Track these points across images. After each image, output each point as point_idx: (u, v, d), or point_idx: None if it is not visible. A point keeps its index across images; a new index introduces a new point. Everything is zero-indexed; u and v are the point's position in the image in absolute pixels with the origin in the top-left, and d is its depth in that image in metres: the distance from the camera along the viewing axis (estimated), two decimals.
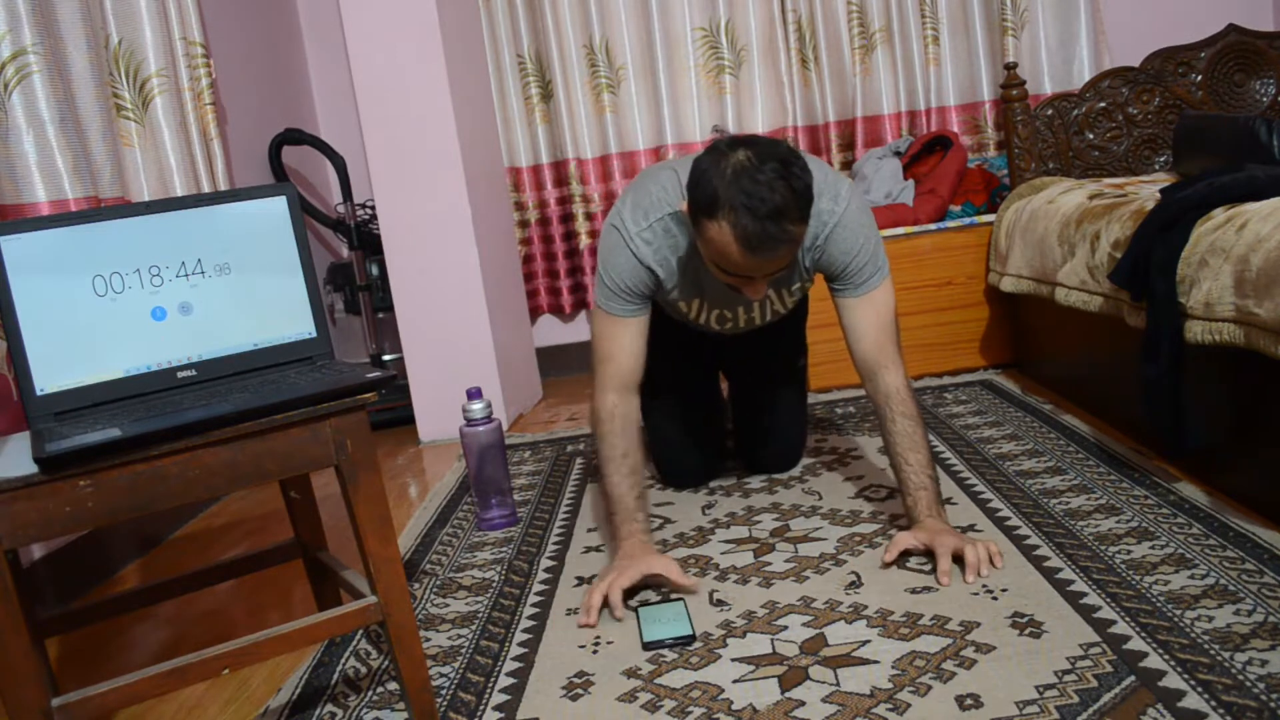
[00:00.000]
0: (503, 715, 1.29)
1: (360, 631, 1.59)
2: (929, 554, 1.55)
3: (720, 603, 1.54)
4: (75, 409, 1.22)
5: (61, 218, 1.24)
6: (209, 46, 2.53)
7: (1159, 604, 1.34)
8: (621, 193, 1.79)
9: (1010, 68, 2.86)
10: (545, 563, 1.81)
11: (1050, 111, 2.90)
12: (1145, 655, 1.22)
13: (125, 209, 1.28)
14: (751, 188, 1.42)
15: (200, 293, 1.30)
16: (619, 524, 1.66)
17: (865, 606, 1.45)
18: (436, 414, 2.93)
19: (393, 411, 3.15)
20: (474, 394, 2.05)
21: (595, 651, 1.43)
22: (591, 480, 2.26)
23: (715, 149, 1.48)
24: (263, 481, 1.20)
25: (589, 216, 3.52)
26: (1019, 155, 2.86)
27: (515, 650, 1.47)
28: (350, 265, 3.31)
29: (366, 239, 3.25)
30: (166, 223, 1.28)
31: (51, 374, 1.21)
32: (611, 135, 3.44)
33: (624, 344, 1.72)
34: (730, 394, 2.25)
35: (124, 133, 2.23)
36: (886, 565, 1.57)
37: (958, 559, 1.52)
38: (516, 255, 3.45)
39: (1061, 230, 2.26)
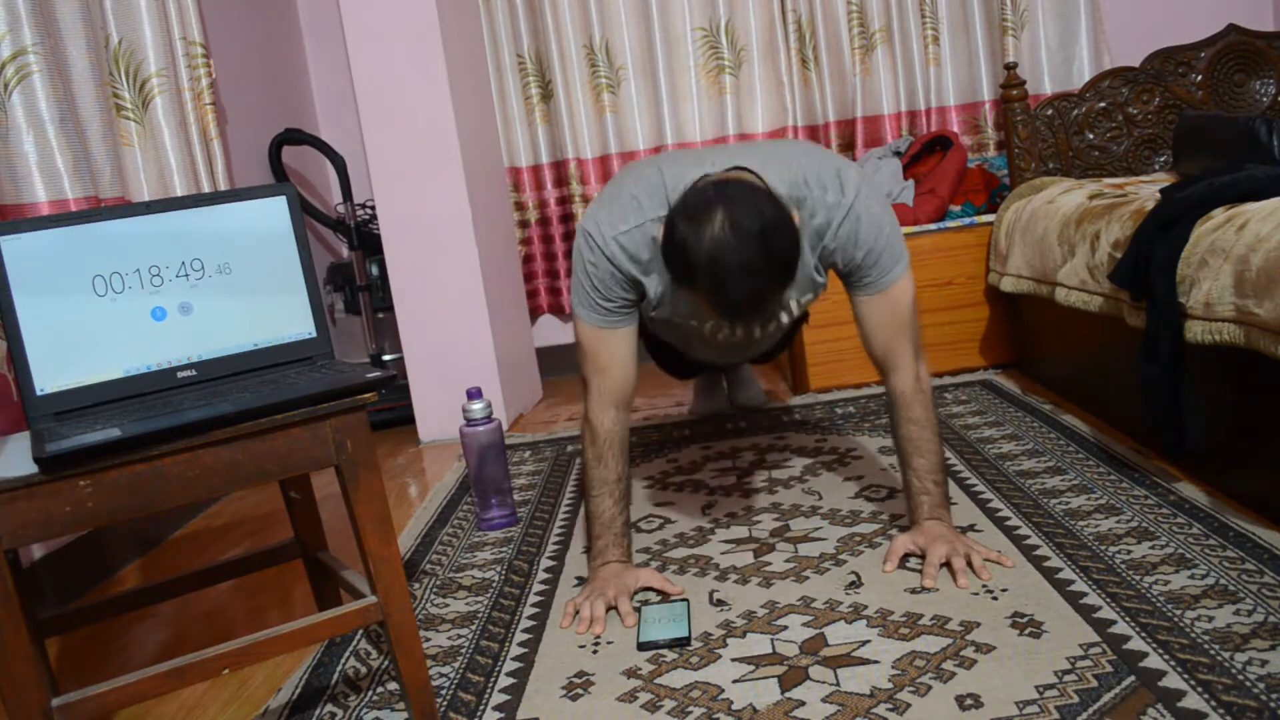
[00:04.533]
0: (503, 715, 1.29)
1: (360, 631, 1.59)
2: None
3: (720, 603, 1.54)
4: (75, 409, 1.22)
5: (61, 218, 1.24)
6: (209, 46, 2.53)
7: (1159, 604, 1.34)
8: (597, 195, 1.66)
9: (1010, 68, 2.86)
10: (545, 563, 1.81)
11: (1050, 111, 2.90)
12: (1145, 655, 1.22)
13: (125, 209, 1.28)
14: (727, 274, 1.30)
15: (200, 293, 1.30)
16: (605, 546, 1.62)
17: (865, 606, 1.45)
18: (436, 414, 2.93)
19: (393, 411, 3.15)
20: (474, 394, 2.05)
21: (595, 651, 1.43)
22: None
23: (696, 205, 1.34)
24: (263, 481, 1.20)
25: None
26: (1019, 155, 2.86)
27: (515, 650, 1.47)
28: (350, 265, 3.31)
29: (366, 239, 3.25)
30: (166, 223, 1.28)
31: (51, 374, 1.21)
32: (611, 135, 3.44)
33: (615, 353, 1.62)
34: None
35: (124, 133, 2.23)
36: (888, 569, 1.57)
37: (947, 564, 1.52)
38: (516, 255, 3.45)
39: (1061, 230, 2.26)
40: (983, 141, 3.42)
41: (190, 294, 1.29)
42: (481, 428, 2.01)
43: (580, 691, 1.32)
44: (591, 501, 1.65)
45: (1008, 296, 2.71)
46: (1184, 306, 1.67)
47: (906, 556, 1.59)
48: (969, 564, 1.51)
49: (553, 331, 3.69)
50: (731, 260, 1.30)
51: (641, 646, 1.41)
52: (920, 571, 1.54)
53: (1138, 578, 1.43)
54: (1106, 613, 1.34)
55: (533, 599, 1.65)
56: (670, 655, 1.38)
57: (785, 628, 1.42)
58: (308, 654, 1.53)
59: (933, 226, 2.85)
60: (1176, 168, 2.70)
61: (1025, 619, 1.35)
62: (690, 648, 1.40)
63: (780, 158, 1.57)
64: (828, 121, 3.42)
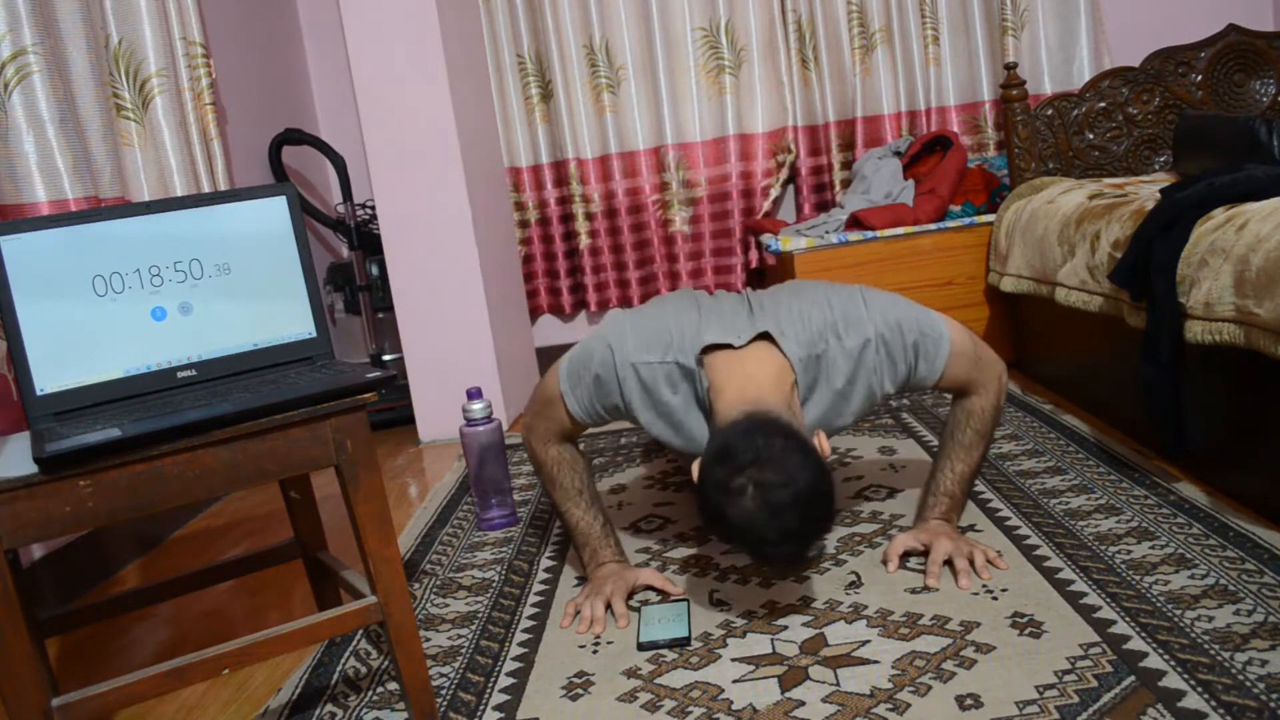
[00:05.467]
0: (503, 715, 1.29)
1: (360, 631, 1.59)
2: (928, 554, 1.55)
3: (720, 603, 1.54)
4: (75, 409, 1.22)
5: (61, 218, 1.24)
6: (209, 46, 2.53)
7: (1159, 604, 1.34)
8: (624, 313, 1.65)
9: (1010, 68, 2.86)
10: (545, 563, 1.81)
11: (1050, 111, 2.90)
12: (1145, 655, 1.22)
13: (125, 209, 1.28)
14: (766, 549, 1.33)
15: (200, 293, 1.30)
16: (593, 552, 1.64)
17: (865, 606, 1.45)
18: (436, 414, 2.93)
19: (393, 411, 3.15)
20: (474, 394, 2.05)
21: (595, 651, 1.43)
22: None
23: (726, 477, 1.31)
24: (263, 481, 1.20)
25: (589, 216, 3.52)
26: (1019, 155, 2.86)
27: (515, 650, 1.47)
28: (350, 265, 3.31)
29: (366, 239, 3.25)
30: (166, 223, 1.28)
31: (51, 374, 1.21)
32: (611, 135, 3.44)
33: (574, 421, 1.63)
34: None
35: (124, 133, 2.23)
36: (891, 571, 1.57)
37: (950, 563, 1.53)
38: (516, 255, 3.45)
39: (1061, 230, 2.26)
40: (983, 141, 3.42)
41: (190, 294, 1.29)
42: (481, 428, 2.01)
43: (580, 691, 1.32)
44: (563, 518, 1.69)
45: (1008, 296, 2.71)
46: (1184, 306, 1.67)
47: (907, 555, 1.59)
48: (971, 564, 1.51)
49: (553, 331, 3.69)
50: (770, 536, 1.31)
51: (641, 646, 1.41)
52: (920, 571, 1.54)
53: (1138, 578, 1.43)
54: (1106, 613, 1.34)
55: (533, 599, 1.65)
56: (670, 655, 1.38)
57: (785, 628, 1.42)
58: (308, 654, 1.53)
59: (933, 226, 2.85)
60: (1176, 168, 2.70)
61: (1025, 619, 1.35)
62: (690, 648, 1.40)
63: (795, 314, 1.56)
64: (828, 121, 3.42)
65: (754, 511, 1.29)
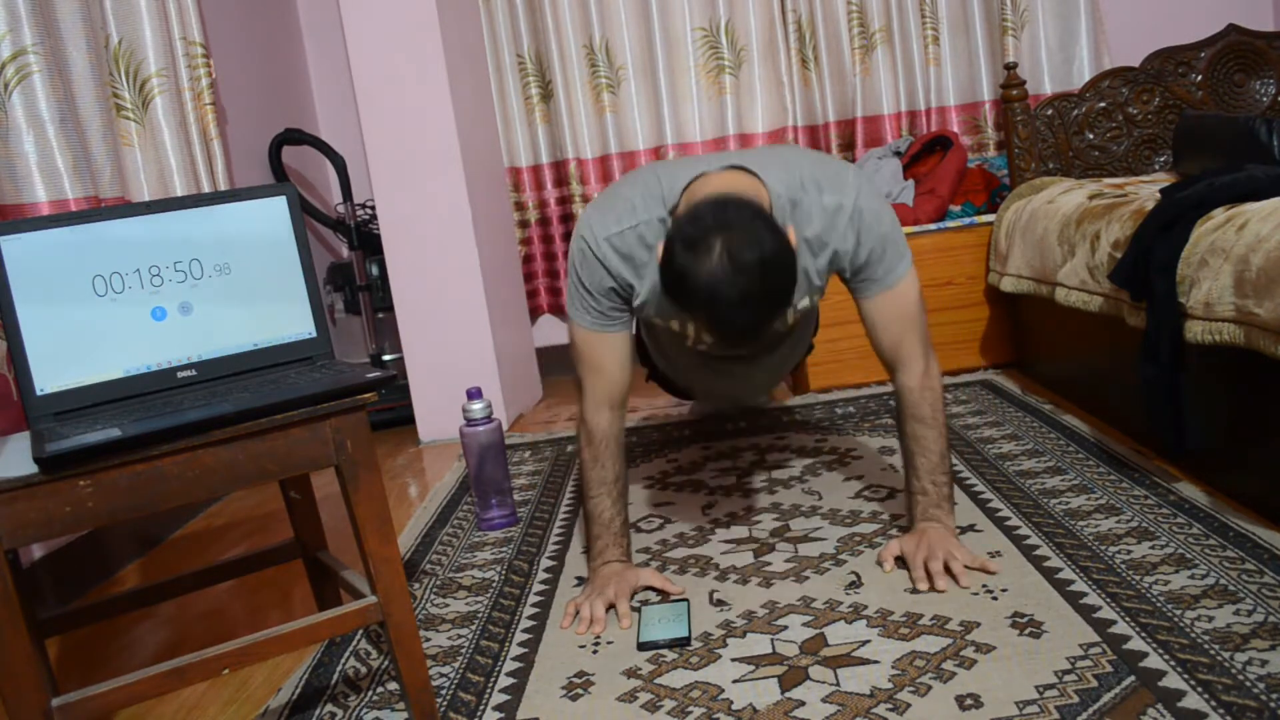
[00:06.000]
0: (503, 715, 1.29)
1: (360, 631, 1.59)
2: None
3: (720, 603, 1.54)
4: (75, 409, 1.22)
5: (61, 218, 1.24)
6: (209, 46, 2.53)
7: (1159, 604, 1.34)
8: (594, 198, 1.63)
9: (1010, 68, 2.86)
10: (545, 563, 1.81)
11: (1050, 111, 2.90)
12: (1145, 655, 1.22)
13: (125, 209, 1.28)
14: (726, 305, 1.30)
15: (200, 293, 1.30)
16: (603, 548, 1.62)
17: (865, 606, 1.45)
18: (436, 414, 2.93)
19: (393, 411, 3.15)
20: (474, 394, 2.05)
21: (595, 651, 1.43)
22: None
23: (694, 234, 1.32)
24: (263, 481, 1.20)
25: None
26: (1019, 155, 2.86)
27: (515, 650, 1.47)
28: (350, 265, 3.31)
29: (366, 239, 3.25)
30: (166, 223, 1.28)
31: (51, 374, 1.21)
32: (611, 135, 3.44)
33: (611, 355, 1.61)
34: None
35: (124, 133, 2.23)
36: (888, 571, 1.57)
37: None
38: (516, 255, 3.45)
39: (1061, 230, 2.26)
40: (983, 141, 3.42)
41: (190, 294, 1.29)
42: (481, 428, 2.01)
43: (580, 691, 1.32)
44: (589, 502, 1.65)
45: (1008, 296, 2.71)
46: (1184, 306, 1.67)
47: (899, 560, 1.59)
48: (949, 570, 1.50)
49: (553, 331, 3.69)
50: (730, 294, 1.29)
51: (641, 646, 1.41)
52: None
53: (1138, 578, 1.43)
54: (1106, 613, 1.34)
55: (533, 599, 1.65)
56: (670, 655, 1.38)
57: (785, 628, 1.42)
58: (308, 654, 1.53)
59: (933, 226, 2.85)
60: (1176, 168, 2.70)
61: (1025, 619, 1.35)
62: (690, 648, 1.40)
63: (779, 159, 1.56)
64: (828, 121, 3.42)
65: (717, 268, 1.28)
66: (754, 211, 1.34)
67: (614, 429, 1.64)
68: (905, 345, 1.60)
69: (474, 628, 1.56)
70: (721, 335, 1.40)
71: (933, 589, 1.47)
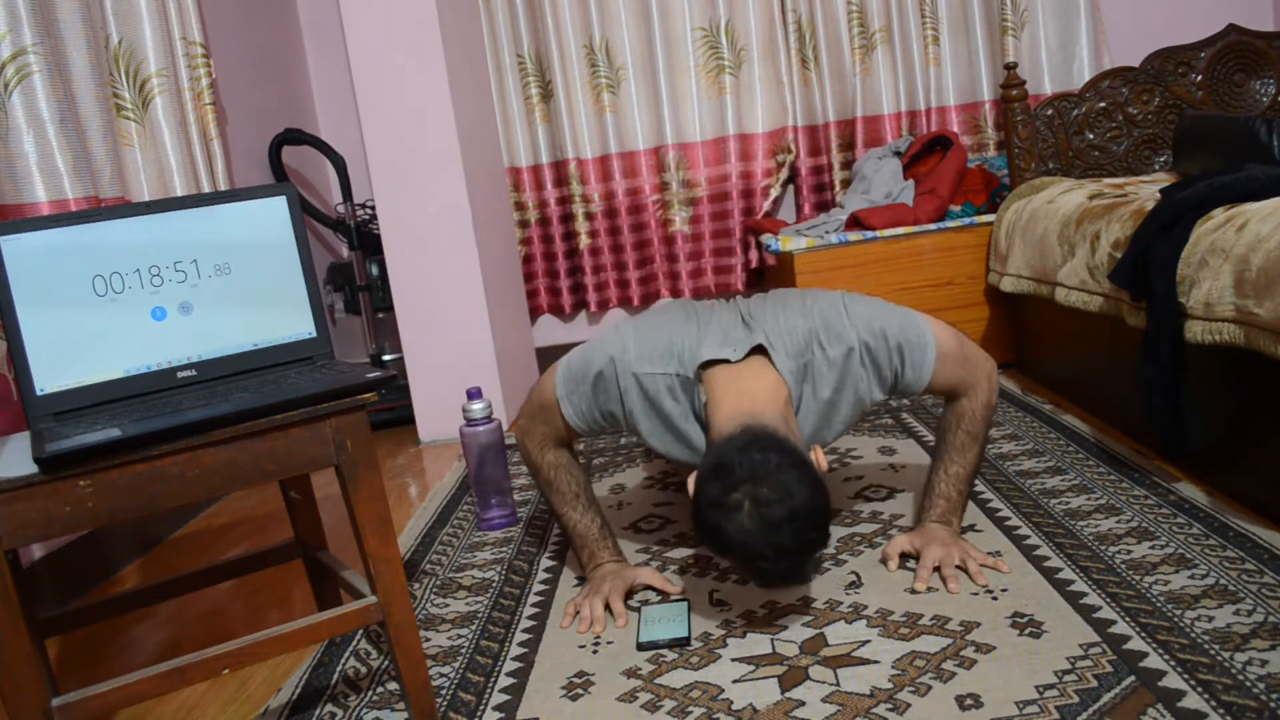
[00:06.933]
0: (503, 715, 1.29)
1: (360, 631, 1.59)
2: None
3: (720, 603, 1.54)
4: (75, 409, 1.22)
5: (61, 218, 1.24)
6: (209, 46, 2.53)
7: (1159, 604, 1.34)
8: (623, 324, 1.63)
9: (1010, 68, 2.86)
10: (545, 563, 1.81)
11: (1050, 111, 2.90)
12: (1145, 655, 1.22)
13: (125, 209, 1.28)
14: (759, 564, 1.33)
15: (200, 293, 1.30)
16: (591, 553, 1.64)
17: (865, 606, 1.45)
18: (436, 414, 2.93)
19: (393, 411, 3.15)
20: (474, 394, 2.05)
21: (595, 651, 1.43)
22: (593, 479, 2.26)
23: (722, 491, 1.31)
24: (263, 481, 1.20)
25: (589, 216, 3.52)
26: (1019, 155, 2.86)
27: (515, 650, 1.47)
28: (350, 265, 3.31)
29: (366, 239, 3.25)
30: (166, 223, 1.28)
31: (51, 374, 1.21)
32: (611, 135, 3.45)
33: (570, 428, 1.62)
34: None
35: (124, 133, 2.23)
36: (892, 570, 1.57)
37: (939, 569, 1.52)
38: (516, 255, 3.45)
39: (1061, 230, 2.26)
40: (983, 141, 3.42)
41: (190, 294, 1.29)
42: (481, 428, 2.01)
43: (580, 691, 1.32)
44: (561, 521, 1.69)
45: (1008, 296, 2.71)
46: (1184, 306, 1.67)
47: (905, 557, 1.59)
48: (965, 570, 1.50)
49: (553, 331, 3.69)
50: (764, 550, 1.31)
51: (641, 646, 1.41)
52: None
53: (1138, 578, 1.43)
54: (1106, 613, 1.34)
55: (533, 599, 1.65)
56: (670, 655, 1.38)
57: (785, 628, 1.42)
58: (308, 654, 1.53)
59: (933, 226, 2.85)
60: (1176, 168, 2.70)
61: (1025, 619, 1.35)
62: (690, 648, 1.40)
63: (778, 327, 1.55)
64: (828, 121, 3.42)
65: (749, 528, 1.29)
66: (779, 451, 1.33)
67: (561, 459, 1.67)
68: (967, 380, 1.61)
69: (474, 628, 1.56)
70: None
71: (945, 589, 1.47)
